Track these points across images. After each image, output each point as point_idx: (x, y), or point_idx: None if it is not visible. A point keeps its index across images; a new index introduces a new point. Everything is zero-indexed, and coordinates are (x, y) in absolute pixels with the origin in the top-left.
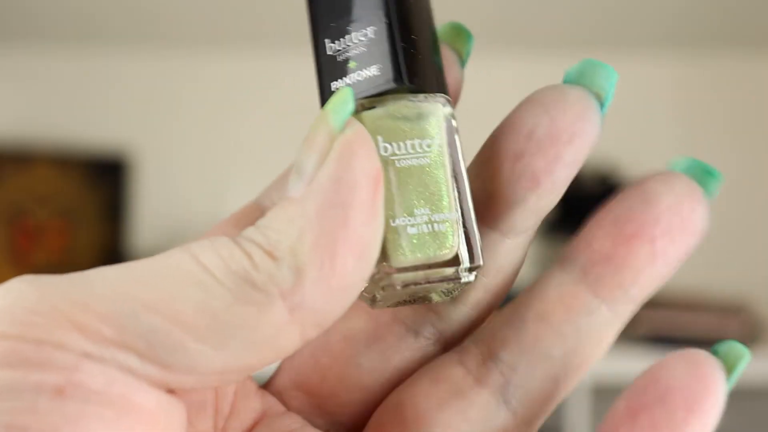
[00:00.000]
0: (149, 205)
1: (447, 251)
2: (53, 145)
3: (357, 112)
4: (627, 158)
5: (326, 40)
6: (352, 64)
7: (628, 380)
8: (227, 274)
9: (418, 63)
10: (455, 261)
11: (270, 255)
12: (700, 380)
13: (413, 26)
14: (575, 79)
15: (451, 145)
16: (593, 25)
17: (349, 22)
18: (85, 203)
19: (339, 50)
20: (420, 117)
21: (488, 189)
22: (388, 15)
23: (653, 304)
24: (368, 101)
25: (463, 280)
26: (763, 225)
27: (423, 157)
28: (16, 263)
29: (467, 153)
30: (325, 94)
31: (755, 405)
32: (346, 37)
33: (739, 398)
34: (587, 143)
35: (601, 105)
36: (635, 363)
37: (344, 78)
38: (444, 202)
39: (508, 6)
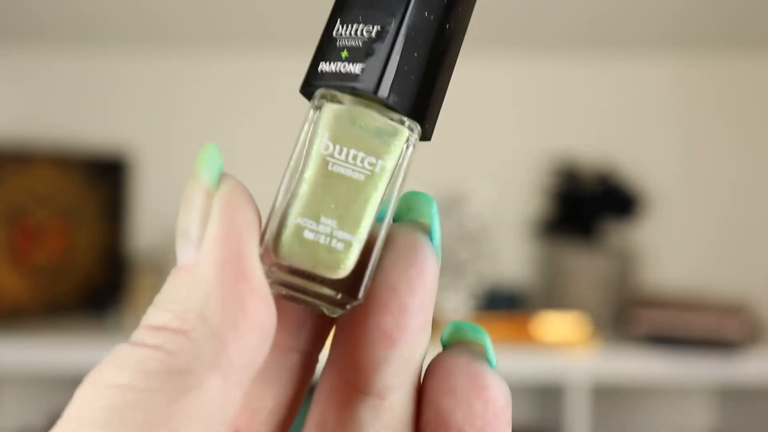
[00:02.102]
0: (149, 205)
1: (333, 271)
2: (53, 145)
3: (322, 100)
4: (627, 158)
5: (338, 20)
6: (344, 54)
7: (628, 380)
8: (148, 378)
9: (405, 81)
10: (336, 285)
11: (181, 332)
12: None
13: (421, 46)
14: (400, 215)
15: (396, 174)
16: (593, 25)
17: (366, 14)
18: (85, 203)
19: (342, 35)
20: (378, 134)
21: (353, 356)
22: (399, 24)
23: (653, 304)
24: (339, 95)
25: (337, 307)
26: (763, 225)
27: (360, 172)
28: (16, 263)
29: (470, 155)
30: (311, 69)
31: (755, 405)
32: (355, 26)
33: (739, 398)
34: (429, 284)
35: (430, 235)
36: (635, 363)
37: (331, 63)
38: (356, 224)
39: (508, 6)
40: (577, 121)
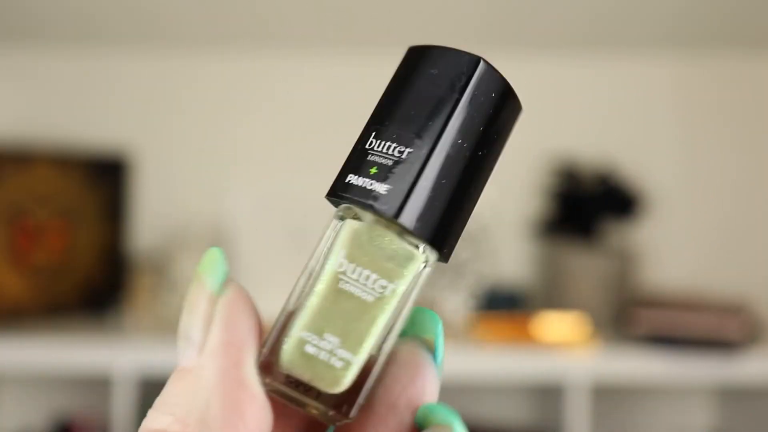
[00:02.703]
0: (149, 205)
1: (329, 387)
2: (53, 145)
3: (345, 215)
4: (627, 158)
5: (373, 134)
6: (373, 170)
7: (628, 380)
8: None
9: (428, 208)
10: (330, 401)
11: None
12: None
13: (450, 173)
14: (405, 330)
15: (406, 300)
16: (593, 25)
17: (401, 132)
18: (85, 203)
19: (375, 150)
20: (394, 257)
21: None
22: (431, 150)
23: (653, 304)
24: (361, 212)
25: (329, 423)
26: (763, 225)
27: (370, 293)
28: (16, 263)
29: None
30: (340, 178)
31: (755, 405)
32: (388, 144)
33: (739, 398)
34: (429, 401)
35: (434, 353)
36: (635, 363)
37: (359, 176)
38: (359, 344)
39: (508, 6)
40: (577, 121)
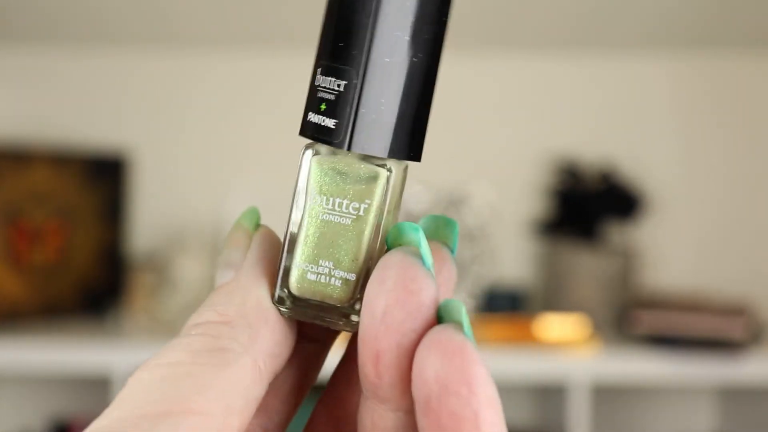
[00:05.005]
0: (148, 206)
1: (336, 301)
2: (52, 144)
3: (309, 150)
4: (626, 157)
5: (318, 70)
6: (322, 107)
7: (629, 381)
8: (194, 355)
9: (377, 128)
10: (342, 310)
11: (222, 322)
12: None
13: (388, 92)
14: (428, 235)
15: (382, 211)
16: (592, 26)
17: (336, 65)
18: (84, 203)
19: (321, 86)
20: (359, 180)
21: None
22: (362, 76)
23: (655, 304)
24: (322, 146)
25: (348, 327)
26: (765, 224)
27: (347, 217)
28: (13, 263)
29: (471, 155)
30: (304, 116)
31: (757, 406)
32: (328, 78)
33: (741, 399)
34: (449, 278)
35: (451, 250)
36: (636, 363)
37: (315, 114)
38: (349, 261)
39: (508, 6)
40: (578, 121)
